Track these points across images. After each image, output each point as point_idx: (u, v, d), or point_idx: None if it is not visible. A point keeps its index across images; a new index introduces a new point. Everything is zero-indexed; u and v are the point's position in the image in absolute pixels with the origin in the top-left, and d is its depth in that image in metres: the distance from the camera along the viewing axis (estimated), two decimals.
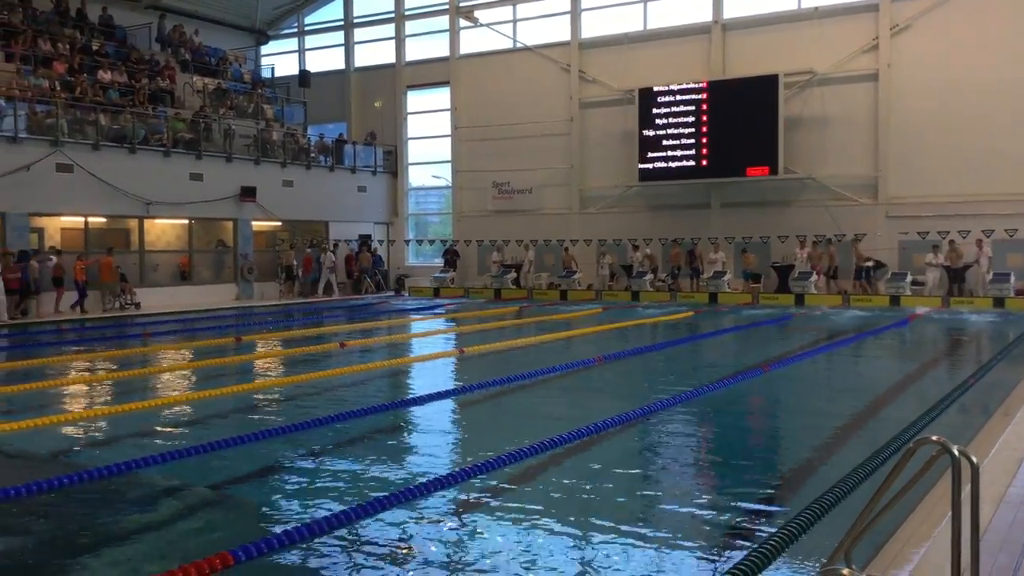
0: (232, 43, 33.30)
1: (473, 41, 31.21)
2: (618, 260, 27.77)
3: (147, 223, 24.62)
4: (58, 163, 21.67)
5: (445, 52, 31.67)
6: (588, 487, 6.41)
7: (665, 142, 26.82)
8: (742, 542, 5.09)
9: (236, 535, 5.33)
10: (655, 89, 26.93)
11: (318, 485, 6.51)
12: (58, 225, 23.53)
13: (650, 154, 27.01)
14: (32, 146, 21.23)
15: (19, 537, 5.54)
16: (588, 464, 7.19)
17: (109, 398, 10.90)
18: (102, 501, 6.22)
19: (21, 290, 20.38)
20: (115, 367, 13.40)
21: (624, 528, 5.38)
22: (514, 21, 30.34)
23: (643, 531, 5.34)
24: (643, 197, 28.21)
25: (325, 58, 34.93)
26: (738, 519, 5.69)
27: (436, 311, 23.29)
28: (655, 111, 26.93)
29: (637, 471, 7.09)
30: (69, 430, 8.61)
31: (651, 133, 26.98)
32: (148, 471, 6.71)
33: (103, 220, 23.98)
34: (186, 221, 25.65)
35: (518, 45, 30.14)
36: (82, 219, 23.30)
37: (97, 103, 23.73)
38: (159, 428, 8.69)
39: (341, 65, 34.29)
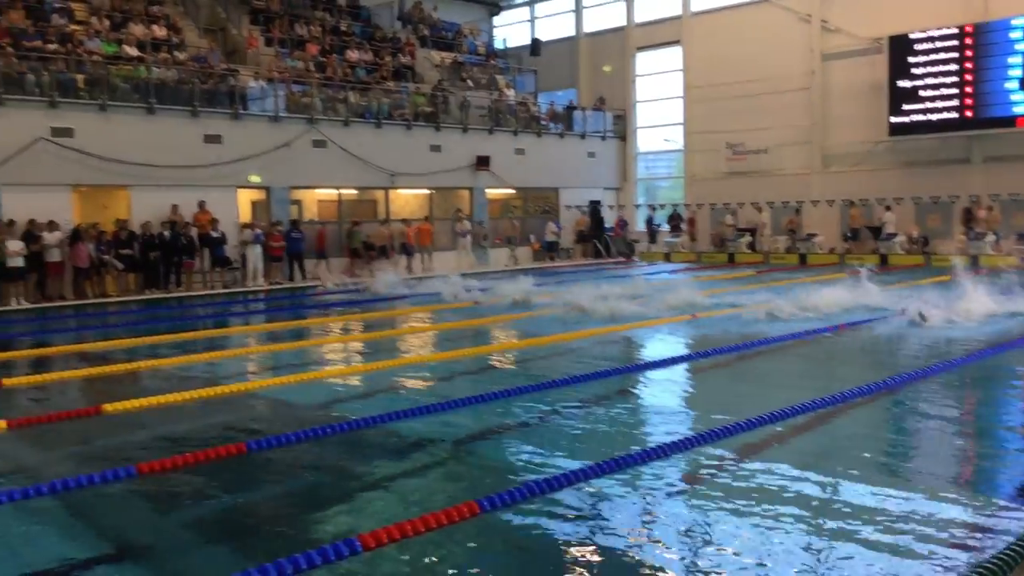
0: (467, 16, 34.37)
1: None
2: (864, 221, 26.11)
3: (391, 193, 26.10)
4: (313, 139, 23.40)
5: (675, 11, 30.93)
6: (828, 461, 6.00)
7: (923, 92, 24.76)
8: (1001, 532, 4.57)
9: (477, 487, 5.53)
10: (910, 36, 24.89)
11: (552, 443, 6.62)
12: (315, 197, 25.51)
13: (904, 106, 25.07)
14: (291, 124, 23.05)
15: (284, 481, 6.07)
16: (828, 436, 6.77)
17: (366, 355, 11.70)
18: (356, 451, 6.66)
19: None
20: (371, 328, 14.38)
21: (869, 506, 5.02)
22: None
23: (890, 510, 4.94)
24: (893, 153, 26.25)
25: (555, 25, 35.23)
26: (997, 504, 5.15)
27: (666, 276, 22.95)
28: (910, 59, 24.92)
29: (884, 445, 6.62)
30: (330, 384, 9.33)
31: (906, 84, 25.00)
32: (397, 424, 7.13)
33: (354, 192, 25.69)
34: (427, 191, 26.92)
35: None
36: (336, 191, 25.09)
37: (346, 81, 25.34)
38: (408, 384, 9.21)
39: (571, 31, 34.44)
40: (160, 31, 23.32)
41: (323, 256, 23.68)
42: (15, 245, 17.80)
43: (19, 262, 17.88)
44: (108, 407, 7.76)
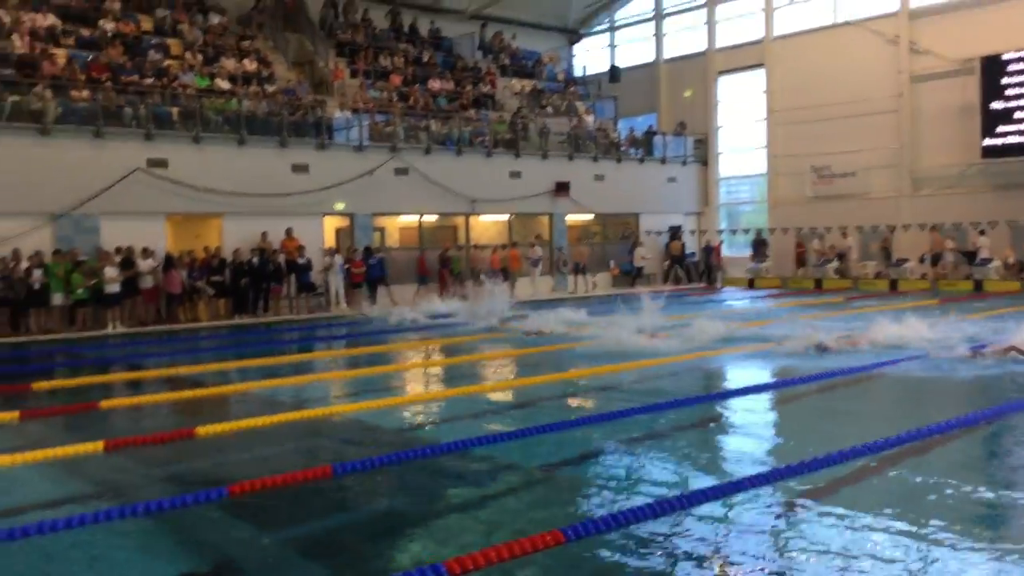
0: (546, 44, 34.64)
1: (788, 20, 29.85)
2: (955, 245, 25.24)
3: (471, 219, 26.34)
4: (396, 167, 23.81)
5: (758, 34, 30.57)
6: (923, 495, 5.74)
7: (1017, 114, 23.96)
8: None
9: (561, 515, 5.49)
10: (1003, 57, 24.14)
11: (633, 473, 6.54)
12: (396, 224, 25.91)
13: (999, 127, 24.27)
14: (374, 153, 23.50)
15: (369, 505, 6.13)
16: (924, 469, 6.48)
17: (446, 381, 11.78)
18: (439, 475, 6.68)
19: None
20: (454, 353, 14.49)
21: (965, 544, 4.80)
22: None
23: (986, 549, 4.71)
24: (986, 176, 25.35)
25: (635, 51, 35.21)
26: None
27: (749, 303, 22.55)
28: (1004, 80, 24.17)
29: (981, 480, 6.32)
30: (412, 409, 9.42)
31: (1000, 105, 24.23)
32: (479, 449, 7.15)
33: (435, 219, 26.01)
34: (506, 217, 27.09)
35: (839, 20, 28.33)
36: (417, 218, 25.45)
37: (428, 110, 25.77)
38: (489, 410, 9.23)
39: (651, 57, 34.34)
40: (251, 65, 24.11)
41: (424, 281, 24.08)
42: (111, 272, 18.54)
43: (115, 288, 18.61)
44: (201, 430, 7.98)
